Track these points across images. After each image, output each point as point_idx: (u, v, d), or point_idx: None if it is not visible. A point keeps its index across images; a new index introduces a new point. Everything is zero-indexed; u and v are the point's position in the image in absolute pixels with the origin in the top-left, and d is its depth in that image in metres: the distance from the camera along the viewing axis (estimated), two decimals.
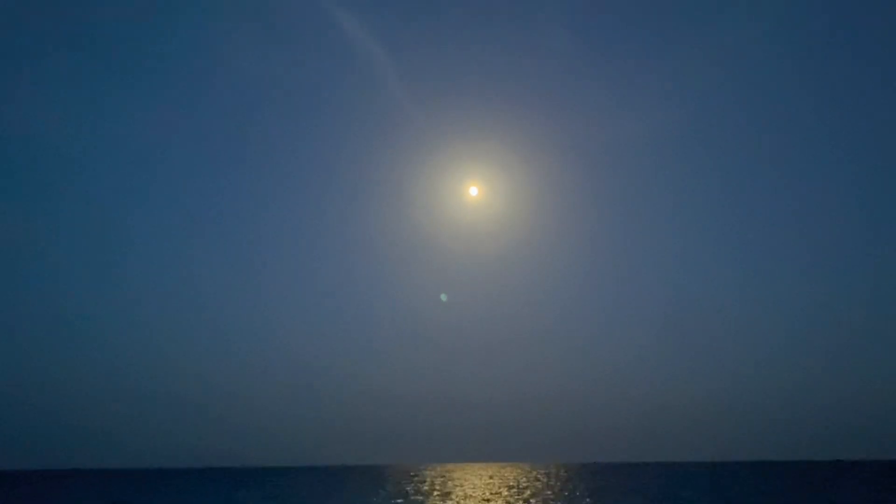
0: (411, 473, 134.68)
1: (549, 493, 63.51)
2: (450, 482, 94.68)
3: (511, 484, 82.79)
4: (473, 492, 66.47)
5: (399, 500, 54.83)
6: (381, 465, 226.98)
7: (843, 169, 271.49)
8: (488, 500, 52.49)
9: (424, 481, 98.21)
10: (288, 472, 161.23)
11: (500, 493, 62.76)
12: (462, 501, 52.48)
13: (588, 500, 52.15)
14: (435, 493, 68.55)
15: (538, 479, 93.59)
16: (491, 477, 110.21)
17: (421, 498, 58.86)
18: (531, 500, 51.33)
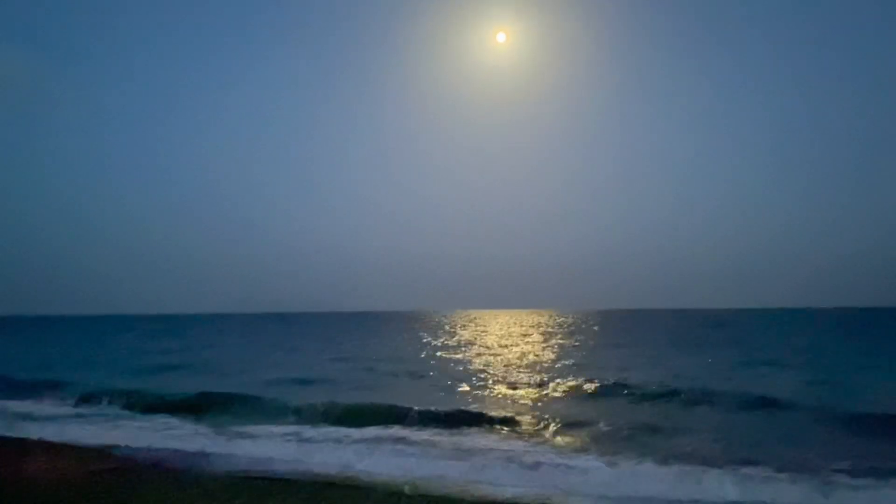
0: (435, 318, 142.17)
1: (572, 329, 67.82)
2: (475, 322, 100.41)
3: (537, 324, 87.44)
4: (501, 329, 71.01)
5: (425, 334, 59.24)
6: (403, 312, 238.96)
7: None
8: (525, 335, 55.79)
9: (449, 322, 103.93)
10: (320, 316, 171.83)
11: (528, 331, 66.66)
12: (490, 334, 56.44)
13: (615, 337, 55.09)
14: (461, 329, 73.55)
15: (564, 322, 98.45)
16: (513, 320, 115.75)
17: (451, 334, 63.30)
18: (563, 337, 54.52)
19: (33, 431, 13.82)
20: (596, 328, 72.18)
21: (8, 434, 13.39)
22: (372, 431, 13.47)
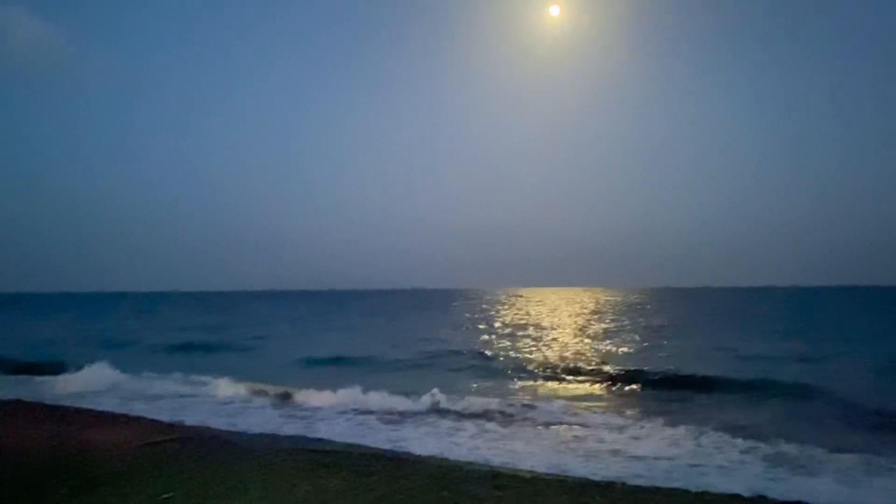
0: (486, 295, 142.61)
1: (623, 308, 66.62)
2: (528, 300, 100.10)
3: (592, 302, 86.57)
4: (553, 306, 70.46)
5: (477, 311, 59.26)
6: (454, 290, 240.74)
7: None
8: (576, 315, 55.32)
9: (501, 300, 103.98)
10: (376, 293, 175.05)
11: (584, 308, 65.97)
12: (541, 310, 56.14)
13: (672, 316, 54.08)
14: (515, 306, 73.30)
15: (613, 300, 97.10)
16: (568, 298, 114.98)
17: (506, 310, 63.14)
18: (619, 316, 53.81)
19: (103, 403, 14.14)
20: (649, 307, 70.66)
21: (77, 405, 13.64)
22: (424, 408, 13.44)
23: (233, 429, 11.17)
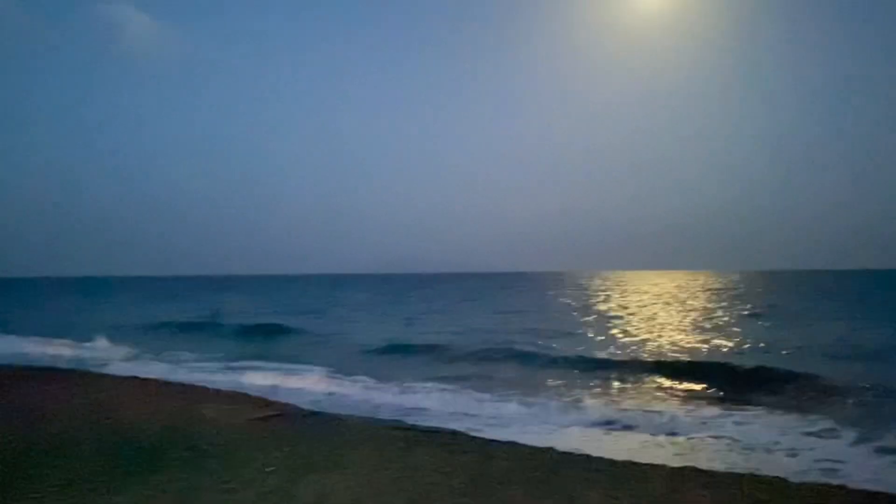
0: (583, 279, 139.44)
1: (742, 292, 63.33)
2: (628, 285, 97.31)
3: (709, 287, 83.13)
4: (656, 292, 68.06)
5: (583, 295, 58.23)
6: (545, 273, 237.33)
7: None
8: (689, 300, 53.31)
9: (599, 285, 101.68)
10: (470, 276, 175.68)
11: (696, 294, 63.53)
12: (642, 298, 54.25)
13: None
14: (616, 291, 71.41)
15: (727, 283, 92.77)
16: (672, 282, 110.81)
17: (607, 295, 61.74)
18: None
19: (204, 379, 15.07)
20: (760, 291, 66.77)
21: (176, 378, 14.68)
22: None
23: (329, 408, 11.50)
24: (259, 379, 15.26)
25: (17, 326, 28.23)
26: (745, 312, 35.17)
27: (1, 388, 11.42)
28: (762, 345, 20.68)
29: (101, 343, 23.33)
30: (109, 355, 20.35)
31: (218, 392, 12.48)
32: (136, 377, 14.83)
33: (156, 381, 14.15)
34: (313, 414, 10.42)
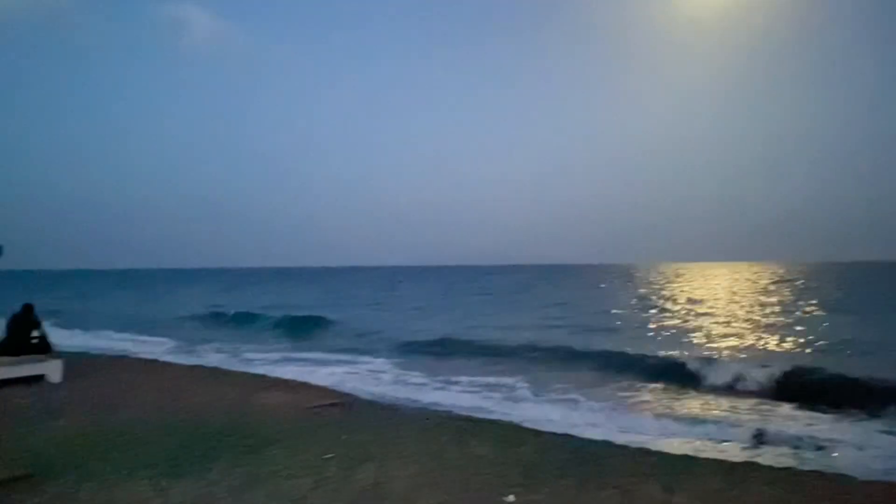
0: (647, 271, 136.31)
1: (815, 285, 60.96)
2: (685, 279, 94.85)
3: (777, 279, 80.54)
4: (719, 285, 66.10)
5: (641, 290, 57.07)
6: (604, 265, 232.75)
7: None
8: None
9: (657, 278, 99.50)
10: (520, 268, 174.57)
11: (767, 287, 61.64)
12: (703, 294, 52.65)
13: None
14: (675, 285, 69.72)
15: (792, 276, 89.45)
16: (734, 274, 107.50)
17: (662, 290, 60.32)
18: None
19: (263, 369, 15.45)
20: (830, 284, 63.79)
21: (236, 368, 15.12)
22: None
23: (386, 399, 11.70)
24: (319, 369, 15.59)
25: (79, 320, 29.32)
26: (817, 308, 33.33)
27: (77, 377, 11.98)
28: (841, 343, 19.41)
29: (161, 334, 24.49)
30: (171, 347, 21.18)
31: (277, 381, 12.79)
32: (200, 366, 15.38)
33: (217, 370, 14.66)
34: (371, 404, 10.59)
